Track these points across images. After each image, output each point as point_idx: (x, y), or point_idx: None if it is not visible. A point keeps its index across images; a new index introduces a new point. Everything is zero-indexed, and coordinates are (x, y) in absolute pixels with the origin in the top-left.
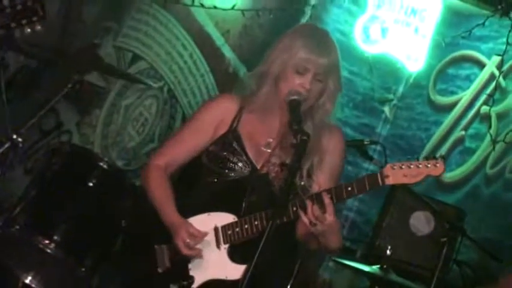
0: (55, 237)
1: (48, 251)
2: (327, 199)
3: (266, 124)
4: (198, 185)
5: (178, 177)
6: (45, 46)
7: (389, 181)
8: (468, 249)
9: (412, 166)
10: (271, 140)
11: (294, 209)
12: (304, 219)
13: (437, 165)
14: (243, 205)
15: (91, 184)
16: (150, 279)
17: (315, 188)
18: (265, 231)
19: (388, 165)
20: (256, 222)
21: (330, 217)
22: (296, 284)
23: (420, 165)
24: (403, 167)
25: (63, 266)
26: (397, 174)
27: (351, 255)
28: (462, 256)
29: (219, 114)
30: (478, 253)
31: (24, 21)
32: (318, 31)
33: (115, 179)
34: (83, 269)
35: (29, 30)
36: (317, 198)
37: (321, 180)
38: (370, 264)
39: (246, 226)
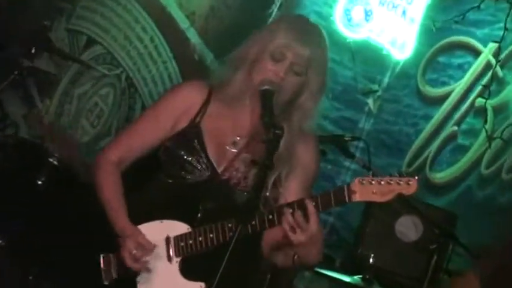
0: (0, 242)
1: None
2: (311, 207)
3: (235, 119)
4: (152, 184)
5: (129, 169)
6: None
7: (356, 198)
8: (460, 258)
9: (382, 182)
10: (238, 138)
11: (270, 216)
12: (285, 225)
13: (410, 183)
14: (199, 215)
15: (40, 182)
16: None
17: (281, 202)
18: (220, 245)
19: (357, 180)
20: (211, 235)
21: (313, 226)
22: None
23: (392, 182)
24: (373, 182)
25: (8, 273)
26: (365, 190)
27: (329, 263)
28: (453, 265)
29: (181, 105)
30: (471, 262)
31: None
32: (309, 23)
33: (66, 177)
34: (30, 277)
35: None
36: (298, 206)
37: (291, 194)
38: (351, 274)
39: (200, 238)
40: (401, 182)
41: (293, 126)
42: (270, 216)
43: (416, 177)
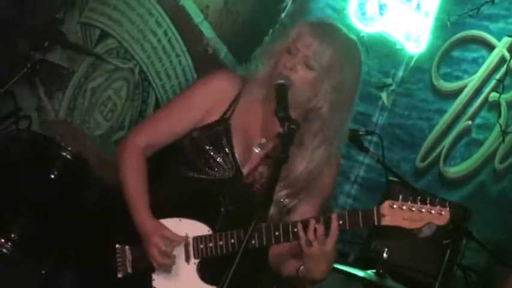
0: (12, 235)
1: (4, 250)
2: (335, 223)
3: (262, 119)
4: (171, 175)
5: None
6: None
7: (386, 221)
8: (474, 253)
9: (413, 209)
10: (265, 140)
11: (277, 233)
12: (302, 235)
13: (443, 213)
14: (220, 217)
15: (53, 176)
16: (107, 284)
17: (297, 216)
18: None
19: (387, 203)
20: (232, 241)
21: (331, 242)
22: None
23: (423, 210)
24: (404, 208)
25: (21, 267)
26: (396, 215)
27: (343, 258)
28: (467, 260)
29: (213, 96)
30: (484, 257)
31: None
32: (339, 29)
33: (80, 171)
34: (43, 271)
35: None
36: (323, 221)
37: (305, 212)
38: (364, 268)
39: (221, 243)
40: (433, 212)
41: (317, 146)
42: (277, 233)
43: (448, 208)
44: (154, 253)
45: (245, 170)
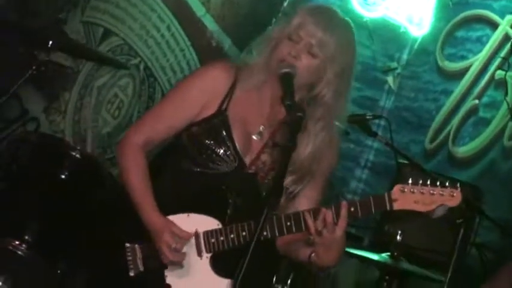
0: (26, 238)
1: (20, 253)
2: (344, 211)
3: (259, 107)
4: (173, 171)
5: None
6: (2, 23)
7: (398, 206)
8: (487, 231)
9: (424, 192)
10: (263, 127)
11: (288, 223)
12: (311, 224)
13: (454, 194)
14: (228, 210)
15: (63, 176)
16: (120, 283)
17: (302, 199)
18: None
19: (397, 188)
20: (243, 233)
21: (340, 229)
22: (298, 280)
23: (434, 192)
24: (415, 191)
25: (37, 268)
26: (407, 199)
27: (357, 243)
28: (481, 238)
29: (208, 90)
30: (497, 235)
31: None
32: (337, 15)
33: (90, 170)
34: (59, 271)
35: None
36: (334, 208)
37: (311, 194)
38: (379, 252)
39: (232, 236)
40: (444, 194)
41: (320, 131)
42: (288, 223)
43: (459, 188)
44: (164, 250)
45: (247, 160)
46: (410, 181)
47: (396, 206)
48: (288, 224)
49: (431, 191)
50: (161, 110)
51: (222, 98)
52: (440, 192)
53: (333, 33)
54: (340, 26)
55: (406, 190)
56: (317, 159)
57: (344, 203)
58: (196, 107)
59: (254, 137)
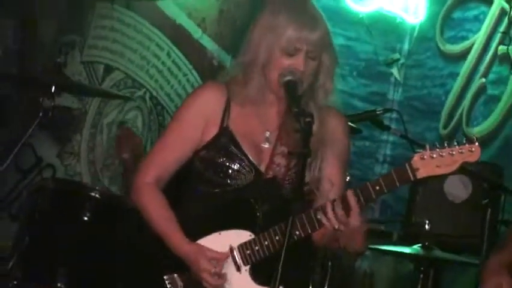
0: (59, 285)
1: None
2: (352, 201)
3: (260, 116)
4: (193, 197)
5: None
6: (3, 77)
7: (421, 174)
8: None
9: (444, 154)
10: (268, 133)
11: (318, 216)
12: (326, 223)
13: (473, 149)
14: (258, 218)
15: (86, 218)
16: None
17: (326, 183)
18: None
19: (417, 156)
20: (277, 237)
21: (354, 221)
22: (333, 282)
23: (454, 152)
24: (435, 156)
25: None
26: (428, 165)
27: (387, 239)
28: (509, 215)
29: (204, 112)
30: None
31: None
32: (304, 2)
33: (111, 208)
34: None
35: None
36: (342, 201)
37: (331, 173)
38: (410, 244)
39: (266, 243)
40: (463, 151)
41: (319, 104)
42: (318, 217)
43: (476, 143)
44: (206, 277)
45: (263, 167)
46: (428, 147)
47: (420, 175)
48: (318, 217)
49: (450, 152)
50: (164, 145)
51: (220, 116)
52: (460, 151)
53: (318, 27)
54: (316, 14)
55: (425, 157)
56: (323, 129)
57: (348, 192)
58: (197, 133)
59: (263, 145)
